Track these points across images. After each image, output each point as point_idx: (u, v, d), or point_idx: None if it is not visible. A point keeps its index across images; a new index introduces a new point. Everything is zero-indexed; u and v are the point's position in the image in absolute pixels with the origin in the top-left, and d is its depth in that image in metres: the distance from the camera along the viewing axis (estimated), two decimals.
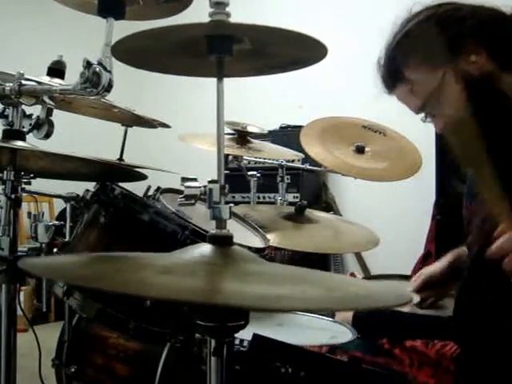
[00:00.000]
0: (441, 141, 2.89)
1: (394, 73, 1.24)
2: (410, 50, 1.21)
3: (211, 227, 0.83)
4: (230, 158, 2.20)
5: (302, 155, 2.29)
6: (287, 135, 3.66)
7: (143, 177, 1.37)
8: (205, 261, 0.78)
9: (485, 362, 1.17)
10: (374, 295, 0.77)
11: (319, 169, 2.55)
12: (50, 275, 0.80)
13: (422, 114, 1.27)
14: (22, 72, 1.18)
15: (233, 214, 0.83)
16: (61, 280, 1.20)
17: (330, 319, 1.55)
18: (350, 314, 1.52)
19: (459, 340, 1.24)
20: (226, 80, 0.84)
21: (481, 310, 1.20)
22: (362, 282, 1.25)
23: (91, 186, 1.38)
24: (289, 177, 2.44)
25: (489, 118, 1.18)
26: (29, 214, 1.36)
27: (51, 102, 1.25)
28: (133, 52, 0.86)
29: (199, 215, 1.35)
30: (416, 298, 1.43)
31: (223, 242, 0.81)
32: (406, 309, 1.40)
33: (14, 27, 4.43)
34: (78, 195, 1.41)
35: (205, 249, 0.80)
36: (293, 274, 0.84)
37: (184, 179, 0.81)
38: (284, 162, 2.33)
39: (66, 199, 1.48)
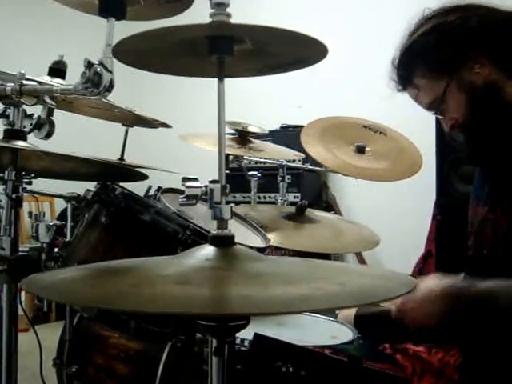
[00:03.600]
0: (441, 140, 2.89)
1: (403, 77, 1.27)
2: (415, 59, 1.23)
3: (212, 227, 0.83)
4: (231, 157, 2.20)
5: (302, 155, 2.29)
6: (288, 135, 3.66)
7: (144, 177, 1.37)
8: (214, 265, 0.78)
9: (485, 365, 1.17)
10: (386, 284, 0.78)
11: (320, 169, 2.55)
12: (63, 299, 0.78)
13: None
14: (22, 72, 1.17)
15: (233, 214, 0.83)
16: (75, 304, 1.16)
17: (331, 319, 1.55)
18: (352, 314, 1.52)
19: (459, 342, 1.24)
20: (226, 80, 0.84)
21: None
22: (368, 270, 1.26)
23: (92, 185, 1.38)
24: (289, 177, 2.44)
25: (490, 127, 1.19)
26: (30, 213, 1.36)
27: (52, 102, 1.25)
28: (134, 53, 0.86)
29: (200, 215, 1.35)
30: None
31: (225, 243, 0.81)
32: None
33: (14, 27, 4.43)
34: (78, 195, 1.41)
35: (208, 251, 0.80)
36: (301, 268, 0.84)
37: (185, 179, 0.81)
38: (284, 162, 2.34)
39: (67, 199, 1.48)
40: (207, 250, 0.80)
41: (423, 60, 1.22)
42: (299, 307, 0.69)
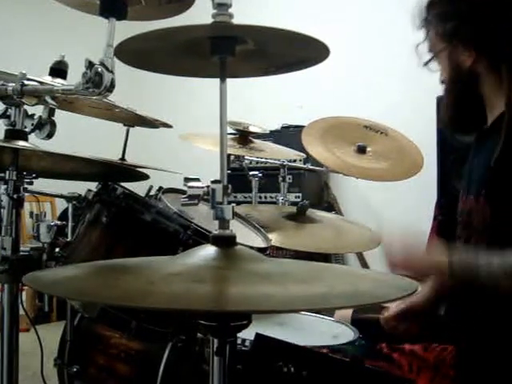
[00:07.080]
0: (443, 140, 2.89)
1: (421, 23, 1.30)
2: (430, 16, 1.27)
3: (213, 227, 0.83)
4: (232, 157, 2.20)
5: (303, 155, 2.30)
6: (288, 135, 3.66)
7: (145, 177, 1.37)
8: (221, 265, 0.78)
9: (480, 361, 1.17)
10: (392, 285, 0.78)
11: (321, 169, 2.55)
12: (78, 296, 0.79)
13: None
14: (24, 72, 1.17)
15: (235, 214, 0.83)
16: (92, 300, 1.17)
17: (331, 319, 1.55)
18: (348, 313, 1.52)
19: (453, 337, 1.24)
20: (227, 80, 0.84)
21: (472, 304, 1.20)
22: (366, 272, 1.26)
23: (93, 185, 1.38)
24: (290, 177, 2.44)
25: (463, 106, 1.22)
26: (31, 213, 1.36)
27: (53, 102, 1.25)
28: (136, 53, 0.86)
29: (201, 215, 1.35)
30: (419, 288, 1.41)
31: (227, 243, 0.81)
32: None
33: (16, 27, 4.43)
34: (79, 195, 1.41)
35: (211, 251, 0.80)
36: (304, 269, 0.85)
37: (187, 179, 0.81)
38: (286, 162, 2.33)
39: (68, 199, 1.48)
40: (210, 250, 0.80)
41: (434, 20, 1.27)
42: (326, 304, 0.70)
